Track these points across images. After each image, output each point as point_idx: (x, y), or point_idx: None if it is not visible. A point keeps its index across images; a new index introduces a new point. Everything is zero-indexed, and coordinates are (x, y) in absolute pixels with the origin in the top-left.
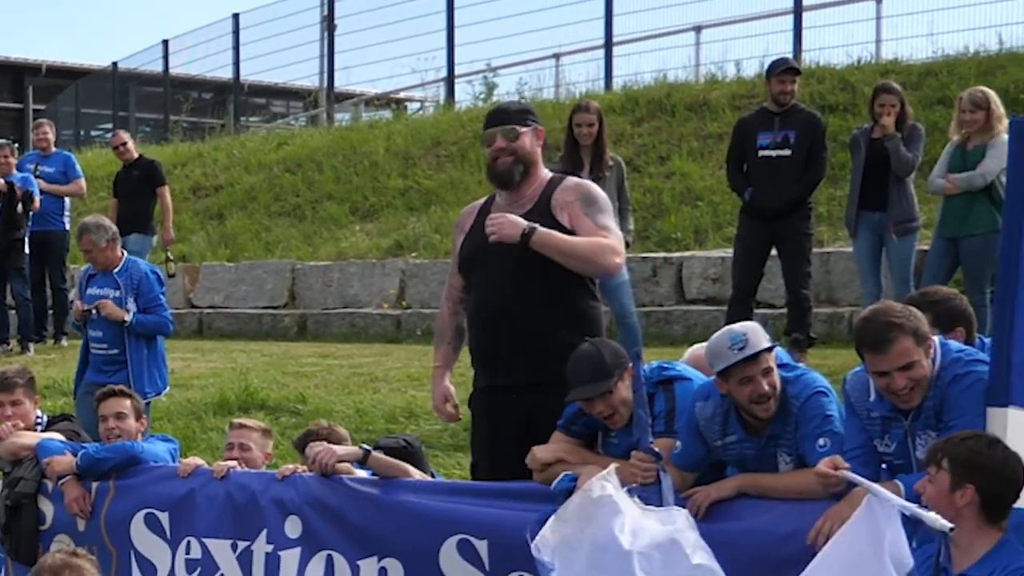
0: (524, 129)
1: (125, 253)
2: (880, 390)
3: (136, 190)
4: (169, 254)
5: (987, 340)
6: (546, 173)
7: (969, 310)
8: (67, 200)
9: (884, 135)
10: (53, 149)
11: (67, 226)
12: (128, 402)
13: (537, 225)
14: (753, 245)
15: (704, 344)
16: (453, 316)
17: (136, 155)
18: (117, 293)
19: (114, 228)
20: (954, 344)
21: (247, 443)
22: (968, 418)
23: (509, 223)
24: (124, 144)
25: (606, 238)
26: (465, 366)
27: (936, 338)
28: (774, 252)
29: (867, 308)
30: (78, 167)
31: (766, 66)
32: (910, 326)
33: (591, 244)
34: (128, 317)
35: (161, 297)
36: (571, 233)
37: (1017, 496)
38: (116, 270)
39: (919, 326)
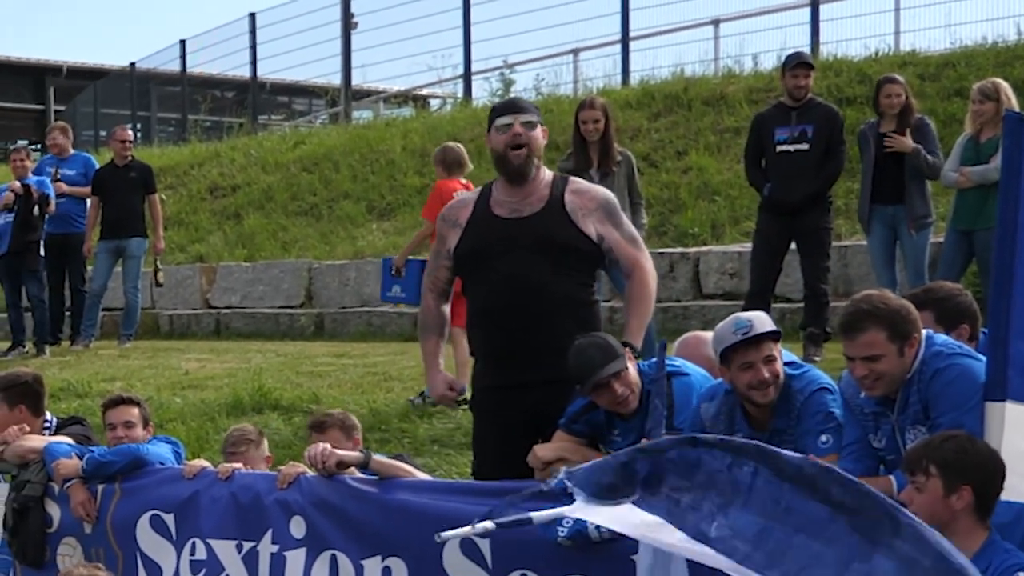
0: (537, 122)
1: None
2: (849, 374)
3: (131, 191)
4: (159, 263)
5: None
6: (548, 173)
7: (974, 306)
8: (88, 202)
9: (908, 153)
10: (71, 151)
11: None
12: (136, 410)
13: None
14: (772, 240)
15: (694, 333)
16: (439, 307)
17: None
18: None
19: None
20: (939, 337)
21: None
22: (954, 413)
23: None
24: (131, 140)
25: (642, 257)
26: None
27: (925, 331)
28: (793, 246)
29: (861, 292)
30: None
31: (783, 59)
32: (887, 319)
33: (650, 294)
34: None
35: None
36: (591, 240)
37: (1001, 490)
38: None
39: (899, 322)
